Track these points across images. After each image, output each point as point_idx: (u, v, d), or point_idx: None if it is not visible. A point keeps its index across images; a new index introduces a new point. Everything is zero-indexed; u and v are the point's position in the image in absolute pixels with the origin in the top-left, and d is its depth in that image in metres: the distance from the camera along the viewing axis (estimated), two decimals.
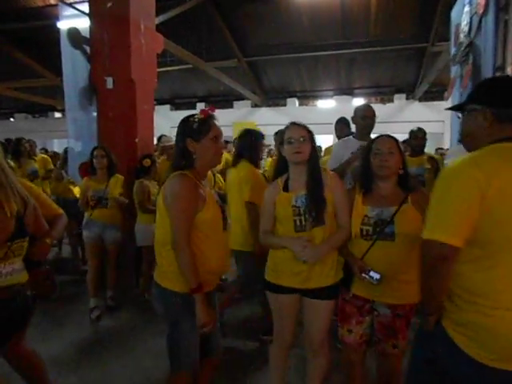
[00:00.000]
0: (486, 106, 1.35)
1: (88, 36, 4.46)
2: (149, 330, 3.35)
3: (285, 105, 12.83)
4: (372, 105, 3.44)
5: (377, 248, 2.00)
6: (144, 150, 4.51)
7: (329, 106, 12.24)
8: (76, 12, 4.62)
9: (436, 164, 4.05)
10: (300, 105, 13.02)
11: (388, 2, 7.74)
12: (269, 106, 12.95)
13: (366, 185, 2.13)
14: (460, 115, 1.53)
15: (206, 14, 7.99)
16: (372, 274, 1.96)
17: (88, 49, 4.52)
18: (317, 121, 10.40)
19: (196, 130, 1.83)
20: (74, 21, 4.71)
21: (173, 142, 4.65)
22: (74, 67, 4.65)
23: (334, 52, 9.37)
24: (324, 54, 9.48)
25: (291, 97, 12.75)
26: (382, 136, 2.15)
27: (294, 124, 2.13)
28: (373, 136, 3.92)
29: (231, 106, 13.23)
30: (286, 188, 2.16)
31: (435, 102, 11.35)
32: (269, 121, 11.69)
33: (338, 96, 12.13)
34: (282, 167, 2.22)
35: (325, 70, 10.92)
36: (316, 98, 12.86)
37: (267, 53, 9.77)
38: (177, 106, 13.90)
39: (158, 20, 5.68)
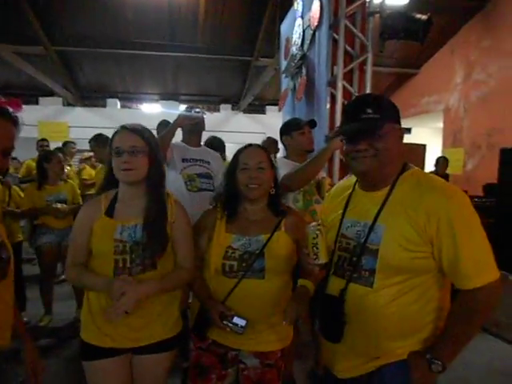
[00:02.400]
0: (398, 124, 1.32)
1: None
2: None
3: (104, 106, 11.57)
4: None
5: (243, 287, 1.60)
6: None
7: (154, 111, 11.60)
8: None
9: None
10: (122, 107, 11.96)
11: (216, 10, 7.65)
12: (85, 105, 11.45)
13: (231, 207, 1.71)
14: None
15: None
16: (236, 320, 1.56)
17: None
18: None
19: None
20: None
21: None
22: None
23: (159, 53, 8.82)
24: (149, 53, 8.82)
25: (112, 97, 11.59)
26: (249, 146, 1.74)
27: (123, 128, 1.59)
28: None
29: (36, 102, 11.19)
30: (110, 211, 1.57)
31: (258, 115, 12.04)
32: (85, 122, 10.32)
33: (164, 101, 11.62)
34: (111, 181, 1.62)
35: (150, 72, 10.24)
36: (140, 100, 12.03)
37: (83, 44, 8.50)
38: None
39: None
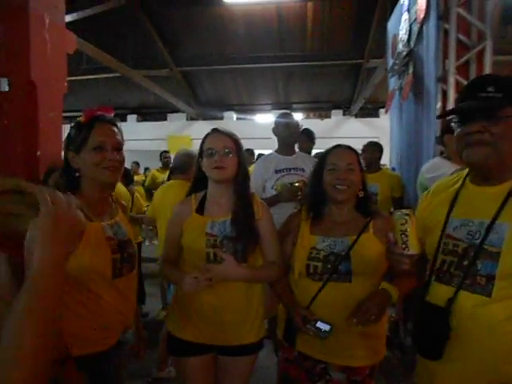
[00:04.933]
0: None
1: None
2: None
3: (222, 118, 12.39)
4: (310, 120, 3.13)
5: (328, 291, 1.55)
6: (48, 166, 3.79)
7: (267, 121, 11.99)
8: None
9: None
10: (237, 118, 12.67)
11: (324, 17, 7.64)
12: (205, 119, 12.43)
13: (316, 209, 1.67)
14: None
15: (131, 16, 7.33)
16: (319, 324, 1.49)
17: None
18: (255, 135, 10.11)
19: (73, 139, 1.39)
20: None
21: None
22: None
23: (270, 65, 9.14)
24: (261, 66, 9.21)
25: (228, 110, 12.36)
26: (338, 146, 1.69)
27: (215, 131, 1.66)
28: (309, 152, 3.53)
29: (165, 119, 12.55)
30: (200, 210, 1.66)
31: (370, 119, 11.56)
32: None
33: (277, 110, 11.94)
34: (199, 184, 1.73)
35: (262, 83, 10.67)
36: (254, 111, 12.58)
37: (202, 63, 9.30)
38: None
39: (71, 17, 4.99)
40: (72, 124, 1.42)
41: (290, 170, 2.76)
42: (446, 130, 2.52)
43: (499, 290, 1.08)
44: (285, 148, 2.85)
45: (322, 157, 1.71)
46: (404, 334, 3.58)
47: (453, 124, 1.22)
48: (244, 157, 1.70)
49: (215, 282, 1.49)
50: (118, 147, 1.42)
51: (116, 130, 1.44)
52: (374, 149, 3.81)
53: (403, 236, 1.19)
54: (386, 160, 4.03)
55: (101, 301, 1.36)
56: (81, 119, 1.40)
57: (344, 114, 11.88)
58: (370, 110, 11.32)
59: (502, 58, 6.20)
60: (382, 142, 4.04)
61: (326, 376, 1.64)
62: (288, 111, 2.89)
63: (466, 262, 1.15)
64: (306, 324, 1.51)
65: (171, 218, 1.76)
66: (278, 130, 2.87)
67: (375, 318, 1.40)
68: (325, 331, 1.48)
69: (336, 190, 1.60)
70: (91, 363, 1.36)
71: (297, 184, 2.63)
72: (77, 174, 1.40)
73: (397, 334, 3.54)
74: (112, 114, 1.47)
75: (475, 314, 1.11)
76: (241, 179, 1.67)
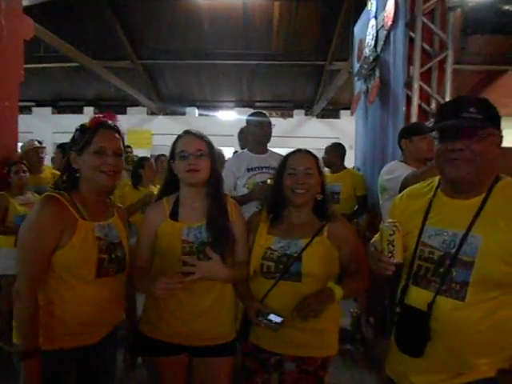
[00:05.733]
0: (498, 131, 1.23)
1: None
2: None
3: (184, 114, 12.22)
4: (273, 119, 3.13)
5: (279, 289, 1.62)
6: (3, 157, 3.59)
7: (230, 118, 11.96)
8: None
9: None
10: (200, 114, 12.53)
11: (290, 17, 7.72)
12: (166, 114, 12.20)
13: (276, 210, 1.73)
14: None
15: (93, 5, 7.04)
16: (272, 317, 1.56)
17: None
18: (217, 132, 10.00)
19: (77, 141, 1.49)
20: None
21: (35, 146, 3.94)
22: None
23: (235, 62, 9.11)
24: (225, 62, 9.16)
25: (191, 106, 12.20)
26: (298, 151, 1.76)
27: (188, 133, 1.66)
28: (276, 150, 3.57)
29: (124, 112, 12.16)
30: (174, 215, 1.64)
31: (331, 120, 11.85)
32: (166, 130, 10.94)
33: (239, 108, 11.95)
34: (170, 186, 1.71)
35: (226, 80, 10.62)
36: (217, 108, 12.50)
37: (165, 57, 9.10)
38: (60, 109, 12.32)
39: (29, 1, 4.72)
40: (78, 127, 1.52)
41: (262, 168, 2.77)
42: (403, 135, 2.65)
43: (472, 295, 1.19)
44: (257, 146, 2.85)
45: (282, 161, 1.77)
46: (366, 328, 3.72)
47: (435, 142, 1.31)
48: (216, 158, 1.70)
49: (188, 282, 1.48)
50: (119, 153, 1.50)
51: (118, 136, 1.53)
52: (336, 149, 3.93)
53: (390, 246, 1.26)
54: (347, 161, 4.14)
55: (82, 296, 1.43)
56: (86, 123, 1.50)
57: (306, 114, 12.08)
58: (331, 111, 11.60)
59: (462, 67, 6.62)
60: (342, 143, 4.16)
61: (280, 368, 1.71)
62: (262, 110, 2.90)
63: (442, 270, 1.24)
64: (258, 317, 1.57)
65: (143, 223, 1.72)
66: (250, 128, 2.87)
67: (315, 313, 1.50)
68: (276, 323, 1.55)
69: (294, 194, 1.66)
70: (76, 356, 1.46)
71: (269, 182, 2.64)
72: (77, 175, 1.49)
73: (359, 328, 3.67)
74: (116, 121, 1.57)
75: (451, 317, 1.21)
76: (214, 181, 1.67)
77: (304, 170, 1.66)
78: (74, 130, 1.55)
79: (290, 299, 1.58)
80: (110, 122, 1.53)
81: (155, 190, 3.86)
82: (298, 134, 11.44)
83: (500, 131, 1.24)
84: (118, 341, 1.66)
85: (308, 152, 1.76)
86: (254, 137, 2.85)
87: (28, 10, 4.40)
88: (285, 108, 12.08)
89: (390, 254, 1.26)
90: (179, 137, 1.67)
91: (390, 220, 1.32)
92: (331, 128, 11.55)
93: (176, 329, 1.62)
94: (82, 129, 1.50)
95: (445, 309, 1.22)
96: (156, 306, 1.64)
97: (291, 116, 12.08)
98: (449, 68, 3.36)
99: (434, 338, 1.23)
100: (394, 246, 1.26)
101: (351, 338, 3.60)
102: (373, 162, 3.85)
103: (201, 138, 1.65)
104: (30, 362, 1.32)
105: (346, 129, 9.57)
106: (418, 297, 1.29)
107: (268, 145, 2.94)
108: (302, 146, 3.87)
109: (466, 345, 1.20)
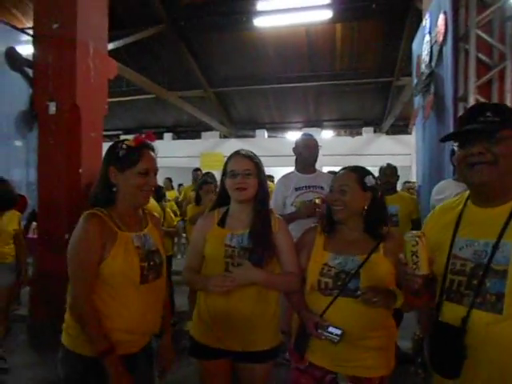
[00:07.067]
0: None
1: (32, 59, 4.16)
2: None
3: (254, 136, 12.68)
4: (341, 137, 3.26)
5: (338, 306, 1.62)
6: (89, 181, 4.13)
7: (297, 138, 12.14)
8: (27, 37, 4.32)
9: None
10: (269, 136, 12.90)
11: (352, 36, 7.81)
12: (237, 137, 12.76)
13: (330, 227, 1.77)
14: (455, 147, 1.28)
15: (168, 41, 7.80)
16: (331, 329, 1.58)
17: (31, 72, 4.20)
18: (286, 153, 10.21)
19: (121, 159, 1.53)
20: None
21: None
22: (11, 91, 4.27)
23: (300, 84, 9.34)
24: (291, 85, 9.44)
25: (260, 128, 12.62)
26: (342, 169, 1.81)
27: (237, 154, 1.80)
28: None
29: (199, 137, 12.97)
30: (221, 223, 1.81)
31: (402, 136, 11.46)
32: None
33: (307, 128, 12.07)
34: (222, 200, 1.88)
35: (293, 102, 10.88)
36: (285, 129, 12.79)
37: (234, 84, 9.65)
38: None
39: (113, 45, 5.42)
40: (121, 145, 1.55)
41: (309, 187, 2.88)
42: (454, 151, 2.57)
43: (509, 307, 1.11)
44: (305, 167, 2.97)
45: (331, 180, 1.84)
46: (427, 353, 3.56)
47: (455, 148, 1.29)
48: (264, 177, 1.82)
49: (237, 285, 1.63)
50: (156, 173, 1.61)
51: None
52: (390, 172, 3.81)
53: (414, 257, 1.21)
54: (415, 178, 4.04)
55: (127, 304, 1.51)
56: (130, 143, 1.56)
57: (375, 131, 11.84)
58: (401, 127, 11.24)
59: None
60: (413, 159, 4.04)
61: None
62: (308, 132, 3.03)
63: (475, 281, 1.17)
64: (318, 329, 1.60)
65: (195, 229, 1.92)
66: (298, 150, 3.01)
67: (377, 301, 1.49)
68: (336, 335, 1.57)
69: (334, 210, 1.71)
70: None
71: (317, 201, 2.73)
72: (114, 189, 1.55)
73: (421, 352, 3.52)
74: (155, 141, 1.64)
75: (489, 332, 1.13)
76: (260, 198, 1.79)
77: (338, 188, 1.71)
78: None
79: (348, 316, 1.59)
80: (151, 142, 1.62)
81: None
82: (368, 151, 11.20)
83: None
84: (154, 350, 1.74)
85: (350, 169, 1.78)
86: (302, 158, 2.98)
87: (112, 51, 5.05)
88: (353, 126, 11.97)
89: (414, 266, 1.21)
90: (230, 157, 1.81)
91: (413, 231, 1.26)
92: (401, 144, 11.15)
93: (218, 334, 1.75)
94: (128, 148, 1.54)
95: (480, 323, 1.14)
96: (201, 312, 1.81)
97: (360, 134, 11.91)
98: (508, 79, 3.23)
99: (471, 357, 1.14)
100: (418, 256, 1.20)
101: (412, 361, 3.48)
102: (430, 180, 3.76)
103: (249, 158, 1.77)
104: (111, 360, 1.42)
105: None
106: (452, 312, 1.21)
107: (336, 164, 3.02)
108: (372, 164, 3.81)
109: (506, 362, 1.10)
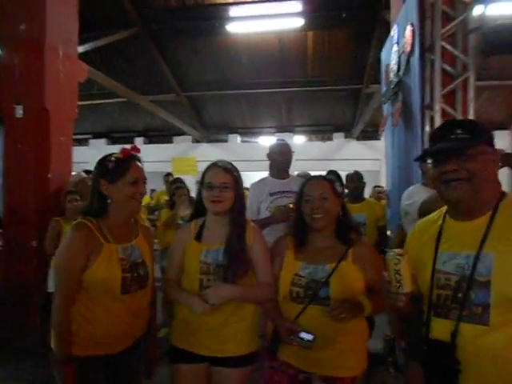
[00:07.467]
0: (492, 148, 1.22)
1: None
2: None
3: (226, 140, 12.68)
4: (312, 142, 3.32)
5: (310, 313, 1.67)
6: (59, 186, 4.03)
7: (271, 143, 12.22)
8: None
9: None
10: (242, 141, 12.93)
11: (323, 44, 7.98)
12: (210, 141, 12.72)
13: (300, 236, 1.80)
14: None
15: (141, 45, 7.72)
16: (303, 334, 1.62)
17: None
18: (259, 157, 10.25)
19: (111, 171, 1.63)
20: None
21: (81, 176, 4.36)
22: None
23: (273, 90, 9.44)
24: (264, 91, 9.53)
25: (233, 133, 12.64)
26: (312, 178, 1.86)
27: (215, 166, 1.80)
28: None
29: (171, 141, 12.84)
30: (198, 237, 1.82)
31: (371, 141, 11.76)
32: (210, 157, 11.13)
33: (280, 133, 12.19)
34: (200, 211, 1.88)
35: (266, 107, 10.97)
36: (258, 134, 12.85)
37: (207, 88, 9.65)
38: (114, 141, 13.22)
39: (84, 48, 5.31)
40: (109, 158, 1.66)
41: (283, 192, 2.91)
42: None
43: (496, 317, 1.13)
44: (279, 172, 3.01)
45: (300, 188, 1.86)
46: (398, 352, 3.66)
47: (428, 166, 1.36)
48: (241, 190, 1.83)
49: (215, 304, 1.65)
50: (145, 181, 1.71)
51: (141, 165, 1.71)
52: (357, 179, 3.86)
53: (397, 275, 1.22)
54: (383, 182, 4.17)
55: (108, 311, 1.60)
56: (118, 155, 1.66)
57: (345, 137, 12.09)
58: (371, 133, 11.53)
59: (483, 83, 6.47)
60: (382, 164, 4.15)
61: None
62: (282, 138, 3.08)
63: (460, 294, 1.19)
64: (290, 335, 1.64)
65: (174, 241, 1.91)
66: (272, 155, 3.05)
67: (345, 317, 1.55)
68: (308, 340, 1.61)
69: (313, 219, 1.74)
70: (104, 362, 1.62)
71: (291, 206, 2.76)
72: (108, 201, 1.64)
73: (392, 352, 3.62)
74: (139, 153, 1.74)
75: (478, 345, 1.14)
76: (236, 211, 1.80)
77: (319, 196, 1.73)
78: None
79: (320, 323, 1.63)
80: (137, 154, 1.73)
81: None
82: (339, 156, 11.44)
83: (493, 148, 1.23)
84: (142, 351, 1.81)
85: (322, 177, 1.85)
86: (276, 163, 3.02)
87: (82, 54, 4.96)
88: (325, 131, 12.17)
89: (398, 284, 1.22)
90: (208, 168, 1.81)
91: (394, 250, 1.28)
92: (372, 149, 11.43)
93: (197, 338, 1.76)
94: (116, 160, 1.64)
95: (468, 336, 1.15)
96: (181, 317, 1.82)
97: (331, 139, 12.14)
98: (471, 89, 3.39)
99: (465, 372, 1.15)
100: (400, 275, 1.21)
101: (383, 361, 3.57)
102: (399, 186, 3.89)
103: (227, 171, 1.77)
104: (66, 368, 1.52)
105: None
106: (441, 328, 1.23)
107: (308, 168, 3.06)
108: (343, 169, 3.91)
109: (498, 375, 1.12)
